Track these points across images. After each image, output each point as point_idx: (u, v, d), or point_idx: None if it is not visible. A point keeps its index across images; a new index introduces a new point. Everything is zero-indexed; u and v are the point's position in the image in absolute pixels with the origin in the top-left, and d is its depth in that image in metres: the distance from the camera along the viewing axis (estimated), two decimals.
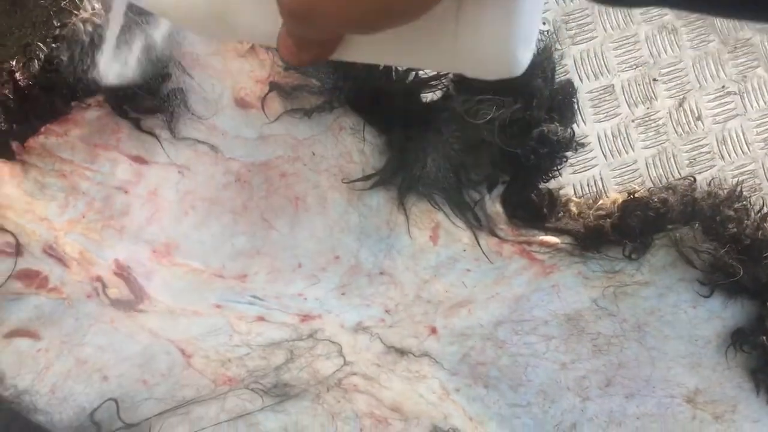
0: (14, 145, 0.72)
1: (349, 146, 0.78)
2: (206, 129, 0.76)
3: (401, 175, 0.77)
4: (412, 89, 0.78)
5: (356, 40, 0.41)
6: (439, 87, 0.84)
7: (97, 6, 0.74)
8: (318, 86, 0.77)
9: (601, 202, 0.87)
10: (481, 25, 0.38)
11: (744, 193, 0.88)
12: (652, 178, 0.88)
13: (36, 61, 0.73)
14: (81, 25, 0.72)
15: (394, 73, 0.80)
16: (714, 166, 0.90)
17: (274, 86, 0.75)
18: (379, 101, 0.78)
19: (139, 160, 0.75)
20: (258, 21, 0.42)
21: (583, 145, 0.89)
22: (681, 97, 0.90)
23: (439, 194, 0.79)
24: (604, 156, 0.88)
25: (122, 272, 0.73)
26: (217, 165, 0.76)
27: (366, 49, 0.43)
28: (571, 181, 0.88)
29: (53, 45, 0.74)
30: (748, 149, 0.91)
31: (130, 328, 0.74)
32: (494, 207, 0.79)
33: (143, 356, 0.73)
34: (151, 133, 0.73)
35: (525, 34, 0.39)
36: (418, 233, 0.78)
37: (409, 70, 0.81)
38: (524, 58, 0.40)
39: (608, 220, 0.82)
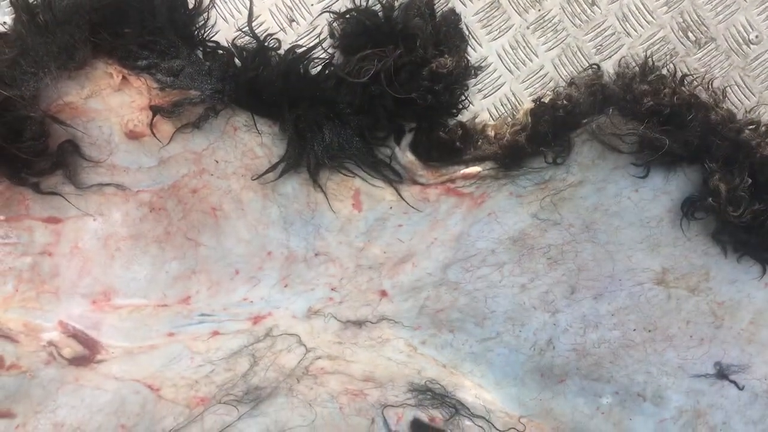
0: None
1: (248, 143, 0.82)
2: (107, 171, 0.81)
3: (305, 155, 0.80)
4: (290, 68, 0.81)
5: None
6: (320, 58, 0.85)
7: None
8: (198, 95, 0.80)
9: (517, 117, 0.89)
10: None
11: (657, 63, 0.89)
12: (564, 77, 0.90)
13: None
14: None
15: (272, 58, 0.82)
16: (622, 45, 0.93)
17: (155, 109, 0.80)
18: (261, 90, 0.81)
19: (53, 220, 0.80)
20: None
21: (481, 68, 0.91)
22: None
23: (349, 161, 0.82)
24: (509, 71, 0.91)
25: (70, 331, 0.78)
26: (129, 201, 0.80)
27: None
28: (484, 106, 0.91)
29: None
30: (652, 17, 0.93)
31: (94, 381, 0.79)
32: (406, 156, 0.82)
33: (114, 403, 0.78)
34: (54, 192, 0.77)
35: None
36: (341, 205, 0.82)
37: (288, 52, 0.83)
38: None
39: (524, 133, 0.84)
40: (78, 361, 0.83)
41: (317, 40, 0.91)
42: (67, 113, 0.83)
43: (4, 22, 0.88)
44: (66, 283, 0.83)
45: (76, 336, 0.82)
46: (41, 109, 0.80)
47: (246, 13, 0.92)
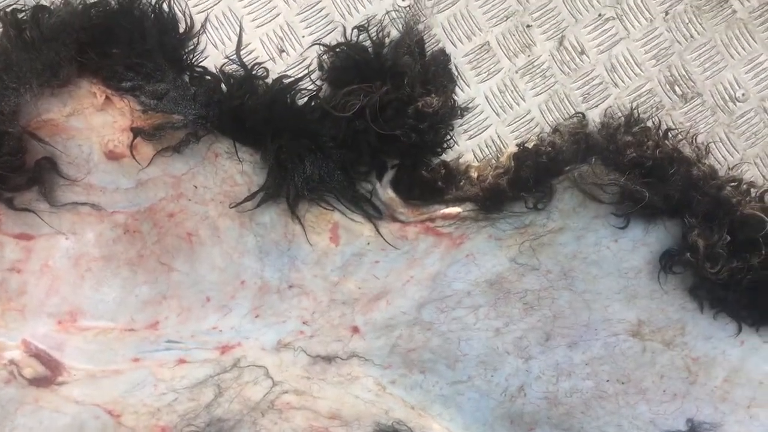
0: None
1: (229, 170, 0.82)
2: (83, 190, 0.80)
3: (285, 186, 0.79)
4: (275, 98, 0.81)
5: None
6: (306, 90, 0.86)
7: None
8: (180, 120, 0.80)
9: (501, 160, 0.89)
10: None
11: (642, 114, 0.90)
12: (550, 123, 0.91)
13: None
14: None
15: (259, 87, 0.82)
16: (609, 95, 0.93)
17: (137, 131, 0.80)
18: (245, 118, 0.81)
19: (24, 236, 0.79)
20: None
21: (467, 109, 0.92)
22: (559, 36, 0.94)
23: (329, 194, 0.82)
24: (496, 114, 0.92)
25: (32, 350, 0.77)
26: (103, 222, 0.80)
27: None
28: (469, 147, 0.91)
29: None
30: (640, 70, 0.94)
31: (54, 403, 0.78)
32: (387, 193, 0.82)
33: (73, 427, 0.77)
34: (28, 209, 0.76)
35: None
36: (318, 238, 0.82)
37: (276, 82, 0.83)
38: None
39: (506, 177, 0.84)
40: (39, 382, 0.81)
41: (306, 72, 0.91)
42: (47, 130, 0.82)
43: None
44: (33, 301, 0.82)
45: (39, 356, 0.81)
46: (20, 124, 0.80)
47: (236, 39, 0.92)
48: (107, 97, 0.84)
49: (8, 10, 0.84)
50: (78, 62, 0.82)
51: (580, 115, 0.92)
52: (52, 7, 0.86)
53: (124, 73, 0.83)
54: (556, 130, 0.89)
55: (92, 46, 0.84)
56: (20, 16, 0.84)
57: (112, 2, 0.88)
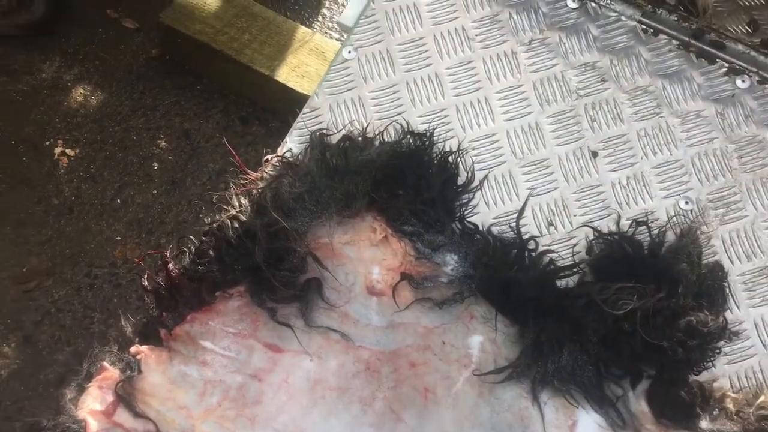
0: (162, 332, 0.80)
1: (480, 335, 0.80)
2: (338, 317, 0.82)
3: (535, 369, 0.77)
4: (546, 277, 0.80)
5: None
6: (575, 272, 0.84)
7: (245, 202, 0.83)
8: (450, 276, 0.81)
9: (762, 398, 0.83)
10: None
11: None
12: None
13: (187, 253, 0.82)
14: (228, 222, 0.81)
15: (526, 259, 0.82)
16: None
17: (405, 276, 0.82)
18: (511, 289, 0.81)
19: (274, 348, 0.82)
20: None
21: (737, 333, 0.86)
22: None
23: (577, 389, 0.79)
24: (764, 345, 0.86)
25: None
26: (348, 353, 0.81)
27: None
28: (726, 372, 0.85)
29: (203, 239, 0.83)
30: None
31: None
32: (639, 405, 0.79)
33: None
34: (286, 323, 0.79)
35: None
36: None
37: (541, 255, 0.83)
38: None
39: None
40: None
41: (570, 251, 0.90)
42: (322, 252, 0.86)
43: (290, 149, 0.94)
44: (264, 413, 0.83)
45: None
46: (306, 245, 0.84)
47: (509, 203, 0.93)
48: (385, 236, 0.87)
49: (318, 134, 0.91)
50: (369, 198, 0.87)
51: None
52: (351, 136, 0.92)
53: (408, 217, 0.86)
54: None
55: (384, 184, 0.88)
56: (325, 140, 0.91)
57: (404, 146, 0.93)
